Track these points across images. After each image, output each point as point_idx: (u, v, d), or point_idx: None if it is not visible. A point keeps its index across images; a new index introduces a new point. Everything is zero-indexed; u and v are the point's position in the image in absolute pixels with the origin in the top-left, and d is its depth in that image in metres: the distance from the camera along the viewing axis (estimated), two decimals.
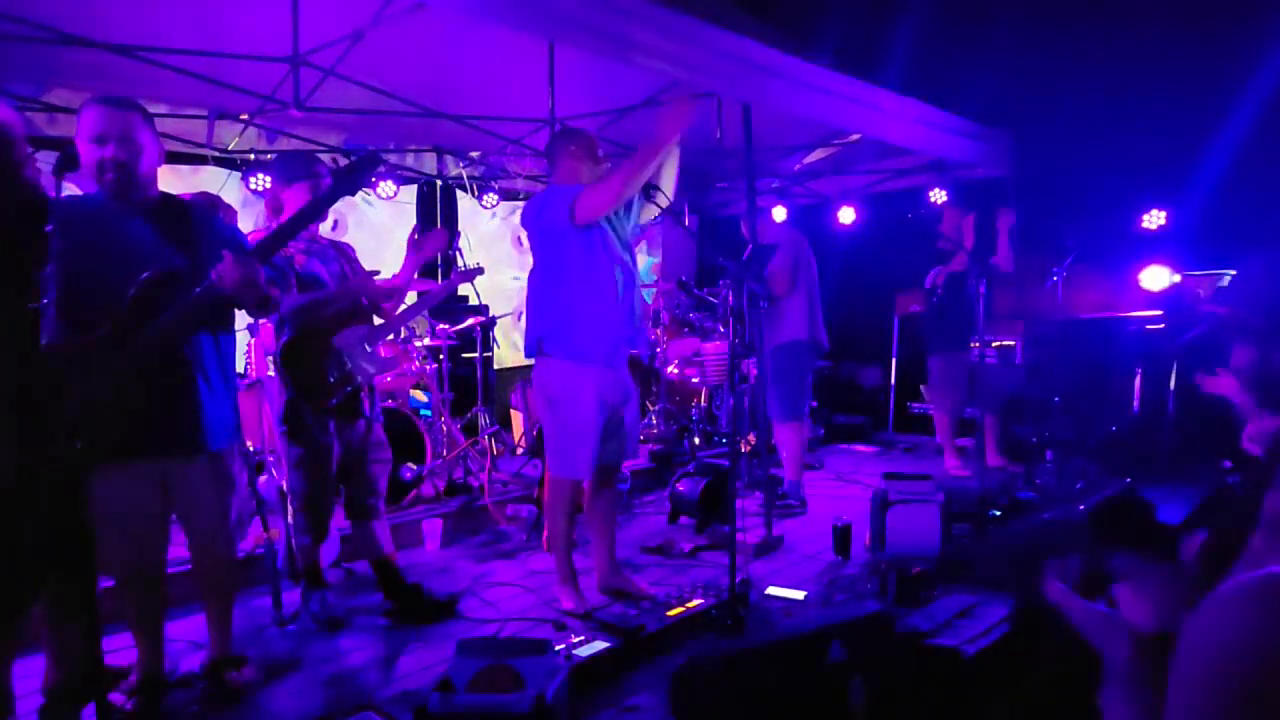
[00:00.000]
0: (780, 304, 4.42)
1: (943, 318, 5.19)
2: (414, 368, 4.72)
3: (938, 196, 6.28)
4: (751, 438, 5.06)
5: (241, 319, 2.73)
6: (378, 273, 3.18)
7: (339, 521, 3.13)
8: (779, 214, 6.65)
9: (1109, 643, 1.09)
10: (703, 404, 6.33)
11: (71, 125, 4.39)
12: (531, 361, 3.03)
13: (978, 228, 5.09)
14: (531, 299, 3.01)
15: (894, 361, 7.16)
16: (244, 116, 4.80)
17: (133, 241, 2.14)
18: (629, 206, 3.07)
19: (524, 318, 3.06)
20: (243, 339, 4.16)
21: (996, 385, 5.25)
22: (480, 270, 3.78)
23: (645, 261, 7.67)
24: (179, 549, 2.47)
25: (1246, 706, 0.72)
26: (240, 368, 4.23)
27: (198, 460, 2.25)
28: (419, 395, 5.15)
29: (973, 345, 4.94)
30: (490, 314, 5.70)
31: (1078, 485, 4.36)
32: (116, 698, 2.28)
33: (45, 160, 2.04)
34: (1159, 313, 5.30)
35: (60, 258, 1.53)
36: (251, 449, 3.52)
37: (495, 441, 5.28)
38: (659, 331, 6.23)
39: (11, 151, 1.94)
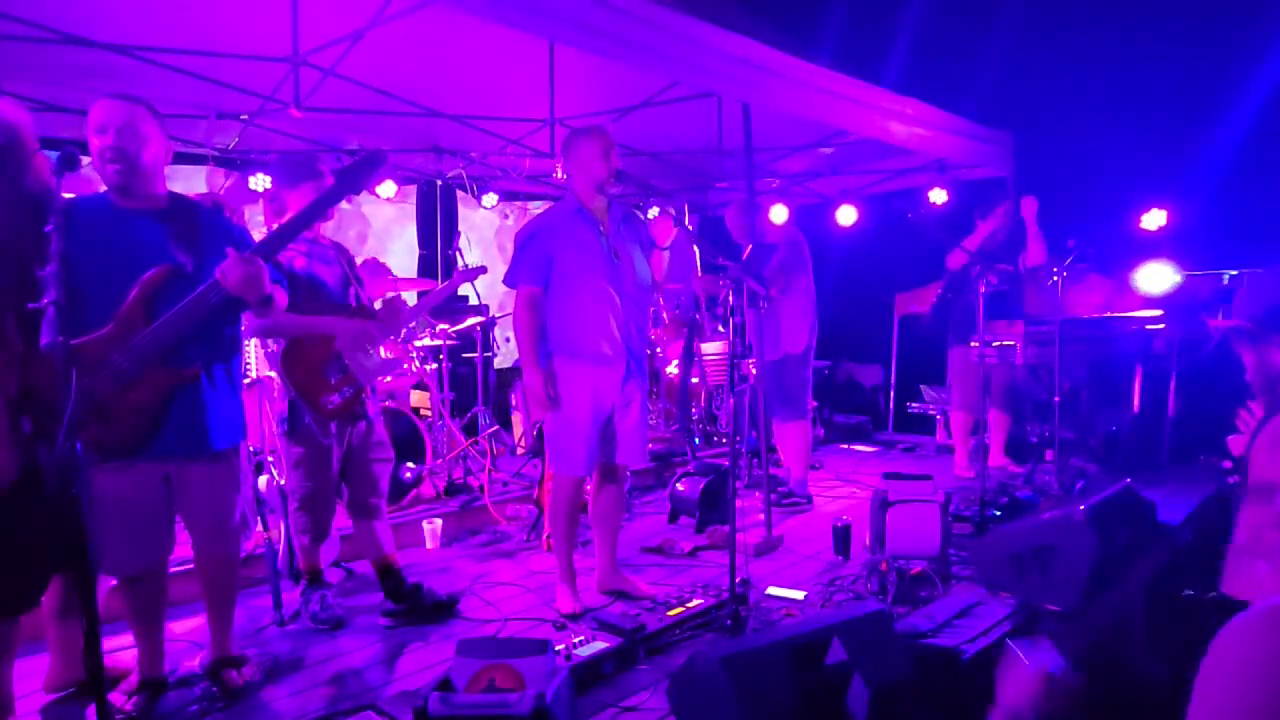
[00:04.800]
0: (779, 308, 4.40)
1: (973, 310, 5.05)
2: (414, 368, 4.72)
3: (938, 196, 6.27)
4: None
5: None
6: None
7: (339, 521, 3.13)
8: (779, 214, 6.62)
9: None
10: (702, 404, 6.33)
11: (71, 125, 4.44)
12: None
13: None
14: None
15: (894, 361, 7.15)
16: (244, 116, 4.80)
17: (138, 241, 2.14)
18: (627, 223, 3.07)
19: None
20: None
21: (1016, 385, 5.22)
22: (483, 269, 3.77)
23: None
24: (184, 549, 2.47)
25: None
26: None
27: (201, 459, 2.24)
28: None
29: (973, 344, 4.92)
30: (490, 314, 5.70)
31: (1078, 485, 4.36)
32: (116, 698, 2.28)
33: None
34: (1159, 313, 5.29)
35: (64, 257, 1.52)
36: (252, 449, 3.52)
37: (495, 441, 5.28)
38: (659, 331, 6.22)
39: (17, 150, 1.94)
